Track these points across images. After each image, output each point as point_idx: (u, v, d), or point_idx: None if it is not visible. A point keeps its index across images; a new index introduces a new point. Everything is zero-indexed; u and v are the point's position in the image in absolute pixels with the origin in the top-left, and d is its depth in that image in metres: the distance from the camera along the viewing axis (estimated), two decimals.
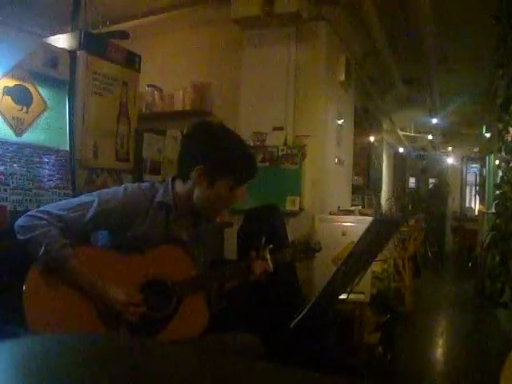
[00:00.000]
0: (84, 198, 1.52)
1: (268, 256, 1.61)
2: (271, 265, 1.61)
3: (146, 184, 1.62)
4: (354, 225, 3.28)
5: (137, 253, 1.49)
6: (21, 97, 2.37)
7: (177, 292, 1.48)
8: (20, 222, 1.42)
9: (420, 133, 8.99)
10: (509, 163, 3.29)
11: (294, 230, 3.49)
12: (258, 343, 1.59)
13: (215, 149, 1.52)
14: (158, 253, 1.51)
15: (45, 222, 1.40)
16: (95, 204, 1.47)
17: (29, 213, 1.44)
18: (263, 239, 1.64)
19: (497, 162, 4.25)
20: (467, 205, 11.36)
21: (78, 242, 1.46)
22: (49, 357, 0.56)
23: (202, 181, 1.52)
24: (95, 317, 1.40)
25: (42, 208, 1.47)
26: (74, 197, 2.47)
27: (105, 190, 1.57)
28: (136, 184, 1.61)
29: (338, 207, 3.92)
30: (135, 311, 1.41)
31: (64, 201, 1.58)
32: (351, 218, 3.45)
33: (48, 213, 1.42)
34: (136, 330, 1.41)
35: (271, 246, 1.64)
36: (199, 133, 1.58)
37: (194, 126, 1.61)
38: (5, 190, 2.22)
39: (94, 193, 1.53)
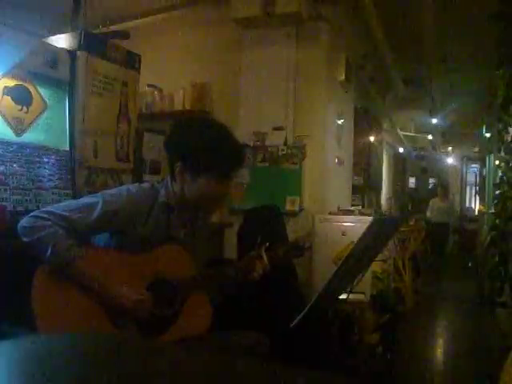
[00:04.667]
0: (88, 200, 1.51)
1: (264, 254, 1.64)
2: (267, 262, 1.63)
3: (147, 184, 1.62)
4: (354, 225, 3.28)
5: (140, 253, 1.49)
6: (21, 97, 2.37)
7: (181, 291, 1.49)
8: (24, 222, 1.39)
9: (420, 133, 9.00)
10: (509, 163, 3.29)
11: (293, 230, 3.49)
12: (265, 341, 1.61)
13: (191, 145, 1.51)
14: (161, 253, 1.52)
15: (50, 222, 1.38)
16: (99, 205, 1.46)
17: (32, 213, 1.41)
18: (259, 238, 1.66)
19: (497, 162, 4.25)
20: (467, 205, 11.38)
21: (81, 243, 1.46)
22: (49, 357, 0.56)
23: (184, 178, 1.52)
24: (104, 316, 1.40)
25: (45, 209, 1.45)
26: (73, 197, 2.48)
27: (108, 192, 1.56)
28: (137, 185, 1.61)
29: (338, 207, 3.92)
30: (146, 308, 1.41)
31: (67, 202, 1.58)
32: (351, 217, 3.45)
33: (52, 213, 1.40)
34: (143, 329, 1.42)
35: (267, 244, 1.66)
36: (175, 130, 1.61)
37: (173, 125, 1.63)
38: (5, 190, 2.22)
39: (98, 194, 1.53)
